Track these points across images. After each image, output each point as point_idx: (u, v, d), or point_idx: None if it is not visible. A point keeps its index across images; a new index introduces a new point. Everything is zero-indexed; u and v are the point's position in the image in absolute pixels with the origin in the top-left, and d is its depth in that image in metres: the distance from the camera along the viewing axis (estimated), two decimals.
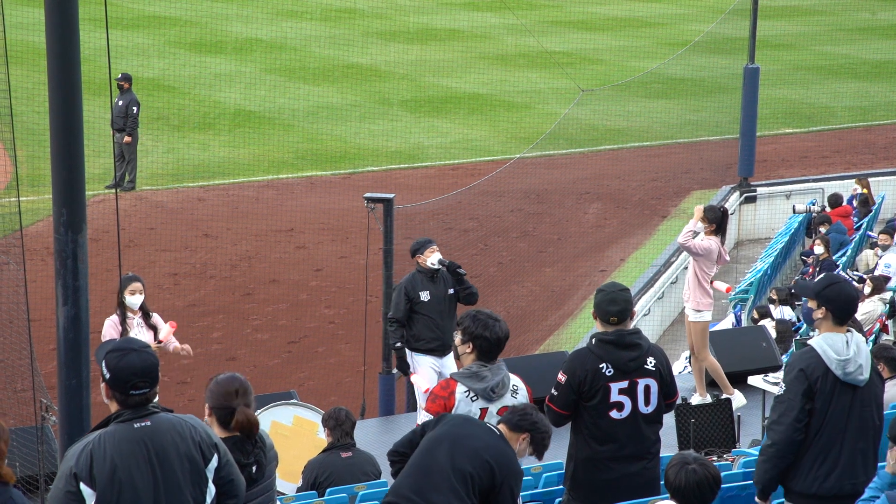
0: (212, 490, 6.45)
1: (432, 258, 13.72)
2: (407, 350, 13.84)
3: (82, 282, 8.01)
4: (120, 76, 27.07)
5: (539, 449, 7.96)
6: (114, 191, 26.46)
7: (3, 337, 15.87)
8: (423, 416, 8.31)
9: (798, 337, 15.83)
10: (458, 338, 8.37)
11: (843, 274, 20.72)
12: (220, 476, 6.48)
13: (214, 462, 6.44)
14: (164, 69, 38.27)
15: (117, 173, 27.06)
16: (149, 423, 6.32)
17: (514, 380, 8.38)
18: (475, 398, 8.17)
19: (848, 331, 8.18)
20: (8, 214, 18.93)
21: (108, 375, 6.38)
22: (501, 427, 7.82)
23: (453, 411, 8.14)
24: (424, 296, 13.62)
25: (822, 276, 8.51)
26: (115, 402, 6.42)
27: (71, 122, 7.90)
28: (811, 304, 8.23)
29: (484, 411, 8.17)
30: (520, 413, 7.91)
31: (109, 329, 12.84)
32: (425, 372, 13.62)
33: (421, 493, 7.40)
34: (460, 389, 8.20)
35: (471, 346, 8.28)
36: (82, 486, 6.18)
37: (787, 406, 8.03)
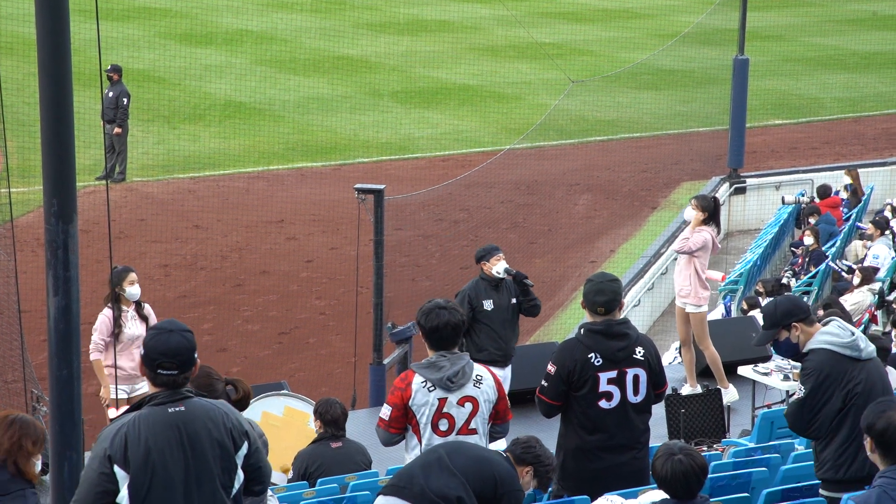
0: (240, 476, 6.51)
1: (498, 266, 12.96)
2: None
3: (73, 272, 8.01)
4: (109, 67, 27.01)
5: (543, 482, 8.02)
6: (104, 182, 26.45)
7: None
8: (384, 408, 8.32)
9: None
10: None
11: (833, 265, 20.79)
12: (248, 463, 6.54)
13: (244, 449, 6.50)
14: (155, 61, 38.21)
15: (108, 164, 27.03)
16: (183, 408, 6.39)
17: (479, 369, 8.35)
18: (432, 388, 8.17)
19: (831, 319, 8.32)
20: None
21: (142, 351, 6.49)
22: (507, 455, 7.86)
23: (410, 402, 8.16)
24: (487, 304, 12.94)
25: (762, 331, 8.58)
26: (148, 381, 6.51)
27: (62, 113, 7.90)
28: (782, 335, 8.34)
29: (443, 401, 8.18)
30: (523, 445, 7.92)
31: (103, 324, 12.79)
32: None
33: (429, 480, 7.38)
34: (417, 380, 8.20)
35: (428, 340, 8.32)
36: (116, 468, 6.25)
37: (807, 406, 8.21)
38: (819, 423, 8.23)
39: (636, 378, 8.70)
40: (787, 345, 8.37)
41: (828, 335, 8.24)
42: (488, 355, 12.82)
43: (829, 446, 8.27)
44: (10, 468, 6.94)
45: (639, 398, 8.72)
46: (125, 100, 26.82)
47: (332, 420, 10.85)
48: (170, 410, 6.36)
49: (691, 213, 14.24)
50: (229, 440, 6.43)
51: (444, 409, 8.18)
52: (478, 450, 7.63)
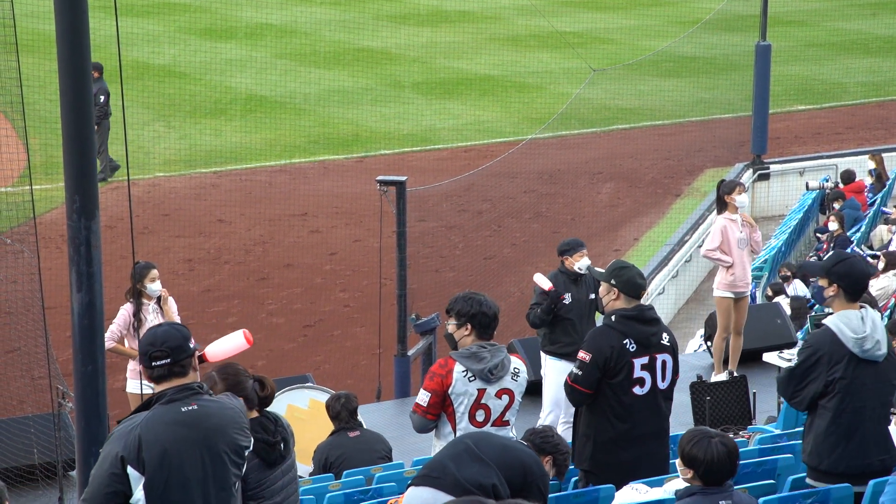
0: (240, 474, 6.45)
1: (580, 263, 12.67)
2: (541, 352, 13.04)
3: (96, 268, 8.03)
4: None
5: (561, 471, 8.08)
6: (123, 178, 26.52)
7: (20, 325, 15.94)
8: (422, 394, 8.31)
9: (813, 314, 15.83)
10: (451, 324, 8.34)
11: (857, 250, 20.70)
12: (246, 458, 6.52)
13: (249, 446, 6.45)
14: (176, 56, 38.28)
15: (103, 164, 26.93)
16: (195, 407, 6.27)
17: (516, 362, 8.35)
18: (472, 378, 8.18)
19: (862, 307, 8.19)
20: (22, 203, 19.00)
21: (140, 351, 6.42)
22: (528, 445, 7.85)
23: (450, 390, 8.16)
24: (566, 297, 12.71)
25: (832, 253, 8.54)
26: (152, 382, 6.38)
27: (82, 109, 7.92)
28: (822, 281, 8.26)
29: (482, 392, 8.18)
30: (541, 435, 7.93)
31: (122, 317, 12.82)
32: (554, 378, 12.67)
33: (461, 469, 7.32)
34: (458, 369, 8.19)
35: (469, 326, 8.27)
36: (129, 469, 6.12)
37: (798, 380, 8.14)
38: (802, 397, 8.18)
39: (664, 364, 8.69)
40: (821, 299, 8.35)
41: (845, 319, 8.11)
42: (561, 348, 12.62)
43: (810, 433, 8.25)
44: None
45: (665, 384, 8.71)
46: (102, 97, 26.18)
47: (334, 416, 10.92)
48: (183, 409, 6.23)
49: (746, 199, 14.40)
50: (242, 437, 6.36)
51: (483, 401, 8.20)
52: (502, 439, 7.61)
